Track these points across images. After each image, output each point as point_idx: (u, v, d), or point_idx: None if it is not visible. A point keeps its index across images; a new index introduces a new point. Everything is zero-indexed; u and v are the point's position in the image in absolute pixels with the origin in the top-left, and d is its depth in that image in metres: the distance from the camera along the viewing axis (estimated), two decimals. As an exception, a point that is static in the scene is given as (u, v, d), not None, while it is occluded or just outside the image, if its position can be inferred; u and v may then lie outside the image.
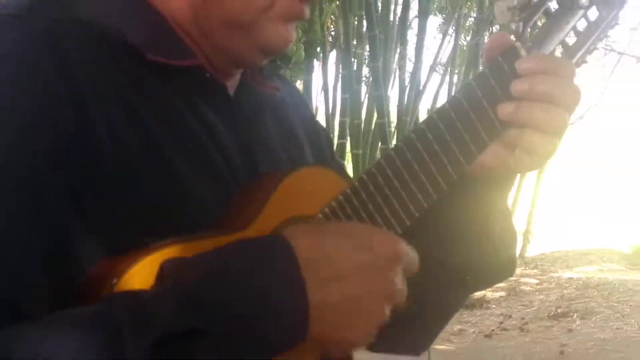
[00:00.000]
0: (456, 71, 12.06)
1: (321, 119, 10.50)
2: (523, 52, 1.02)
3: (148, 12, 1.04)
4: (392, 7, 10.85)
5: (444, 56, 12.44)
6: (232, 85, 1.14)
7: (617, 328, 8.98)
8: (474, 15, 11.96)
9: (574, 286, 11.34)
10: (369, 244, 0.92)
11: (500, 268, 1.25)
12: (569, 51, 1.05)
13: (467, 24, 12.40)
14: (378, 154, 10.43)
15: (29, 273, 0.83)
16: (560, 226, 16.68)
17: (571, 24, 1.04)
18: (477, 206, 1.13)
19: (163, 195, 0.95)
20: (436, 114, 1.05)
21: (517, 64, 1.00)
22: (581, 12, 1.03)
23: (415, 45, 11.26)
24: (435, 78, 12.22)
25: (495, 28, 11.85)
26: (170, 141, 0.98)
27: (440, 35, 12.95)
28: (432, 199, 1.03)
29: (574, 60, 1.05)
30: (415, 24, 11.33)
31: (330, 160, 1.35)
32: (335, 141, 10.08)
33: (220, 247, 0.89)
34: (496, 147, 1.05)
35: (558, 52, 1.06)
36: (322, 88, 10.90)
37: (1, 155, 0.86)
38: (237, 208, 0.99)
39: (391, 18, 10.82)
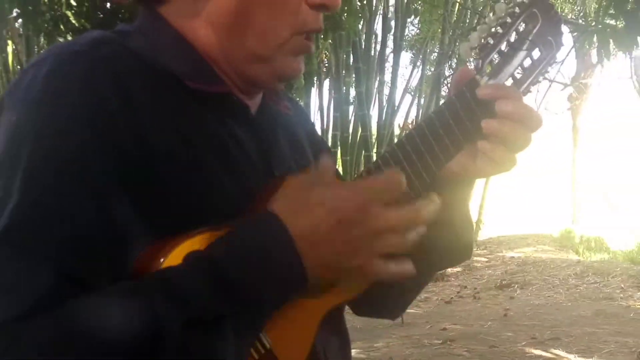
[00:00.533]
0: (423, 95, 12.16)
1: (318, 132, 10.84)
2: (482, 83, 0.98)
3: (186, 47, 0.97)
4: (373, 44, 11.05)
5: (414, 83, 12.53)
6: (254, 104, 1.05)
7: (549, 296, 9.14)
8: (437, 51, 12.10)
9: (515, 263, 11.34)
10: (338, 205, 0.85)
11: (461, 251, 1.17)
12: (517, 83, 1.00)
13: (431, 58, 12.37)
14: (362, 160, 10.49)
15: (97, 257, 0.80)
16: (504, 216, 16.44)
17: (519, 62, 0.98)
18: (444, 202, 0.96)
19: (203, 194, 0.89)
20: (414, 131, 0.99)
21: (476, 90, 0.96)
22: (527, 52, 0.98)
23: (390, 75, 11.57)
24: (407, 100, 12.40)
25: (454, 61, 12.10)
26: (208, 152, 0.93)
27: (411, 67, 13.14)
28: (426, 184, 0.97)
29: (521, 90, 1.00)
30: (390, 58, 11.58)
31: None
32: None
33: (232, 232, 0.84)
34: (460, 157, 0.99)
35: (508, 83, 1.00)
36: (318, 108, 10.99)
37: (76, 164, 0.81)
38: (259, 202, 0.91)
39: (372, 53, 11.01)
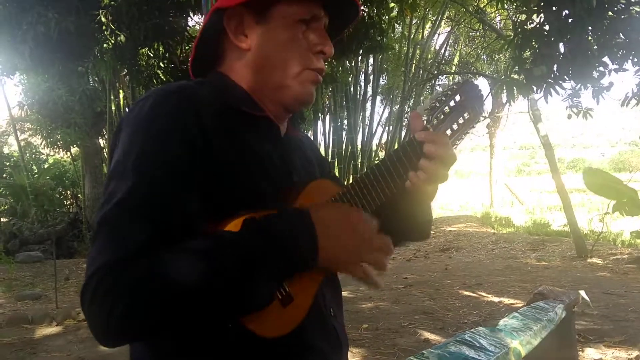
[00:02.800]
0: (391, 125, 12.09)
1: (322, 149, 10.84)
2: (430, 130, 0.96)
3: (236, 88, 0.96)
4: (358, 91, 11.10)
5: (384, 117, 12.47)
6: (282, 128, 1.02)
7: (474, 256, 9.28)
8: (400, 96, 12.10)
9: (452, 234, 11.44)
10: (355, 221, 0.87)
11: (421, 232, 1.14)
12: (454, 133, 0.97)
13: (396, 100, 12.36)
14: (351, 167, 10.64)
15: (180, 222, 0.80)
16: (445, 203, 16.65)
17: (455, 120, 0.96)
18: (409, 203, 1.01)
19: (246, 190, 0.87)
20: (380, 162, 0.97)
21: (416, 134, 0.95)
22: (460, 114, 0.96)
23: (369, 111, 11.62)
24: (380, 129, 12.35)
25: (411, 102, 12.13)
26: (251, 160, 0.91)
27: (382, 106, 12.99)
28: (384, 199, 0.95)
29: (457, 136, 0.99)
30: (369, 100, 11.56)
31: (329, 174, 1.18)
32: (329, 160, 10.55)
33: (277, 213, 0.85)
34: (412, 176, 0.95)
35: (448, 133, 0.97)
36: (322, 133, 11.07)
37: (167, 163, 0.81)
38: (283, 199, 0.90)
39: (357, 97, 11.06)
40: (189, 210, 0.82)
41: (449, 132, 0.98)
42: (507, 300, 5.54)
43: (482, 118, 1.02)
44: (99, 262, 0.76)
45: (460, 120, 0.98)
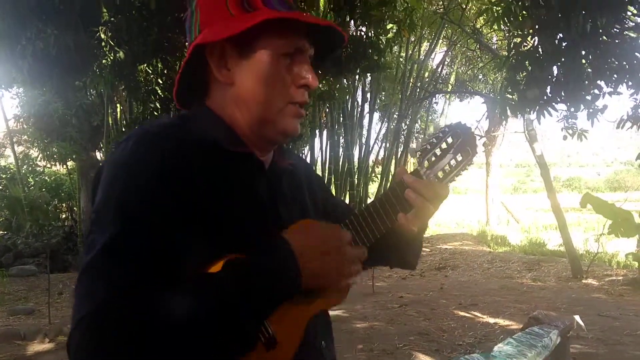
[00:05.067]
0: (388, 142, 12.14)
1: (319, 165, 10.89)
2: (422, 175, 0.98)
3: (221, 123, 0.95)
4: (355, 108, 11.18)
5: (381, 134, 12.53)
6: (267, 160, 1.01)
7: (470, 275, 9.19)
8: (396, 113, 12.16)
9: (448, 252, 11.31)
10: (330, 238, 0.89)
11: (412, 263, 1.17)
12: (445, 175, 0.98)
13: (393, 117, 12.30)
14: (348, 184, 10.77)
15: (162, 266, 0.79)
16: (441, 220, 16.51)
17: (447, 162, 0.97)
18: (401, 239, 1.04)
19: (231, 231, 0.86)
20: (372, 203, 0.99)
21: (404, 177, 0.98)
22: (452, 156, 0.97)
23: (366, 128, 11.75)
24: (377, 145, 12.45)
25: (408, 120, 12.29)
26: (236, 196, 0.90)
27: (380, 123, 13.02)
28: (378, 236, 0.98)
29: (450, 178, 1.00)
30: (367, 117, 11.65)
31: (324, 195, 1.19)
32: (326, 176, 10.53)
33: (254, 256, 0.84)
34: (402, 217, 0.99)
35: (440, 175, 0.99)
36: (319, 149, 10.98)
37: (149, 207, 0.80)
38: (269, 238, 0.88)
39: (355, 114, 11.13)
40: (174, 255, 0.81)
41: (440, 174, 0.99)
42: (502, 322, 5.51)
43: (474, 159, 1.03)
44: (85, 309, 0.75)
45: (453, 162, 0.99)
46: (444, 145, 0.98)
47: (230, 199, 0.90)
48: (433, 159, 0.98)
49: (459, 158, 0.98)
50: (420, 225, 1.03)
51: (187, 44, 1.00)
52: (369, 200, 11.82)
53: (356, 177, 11.12)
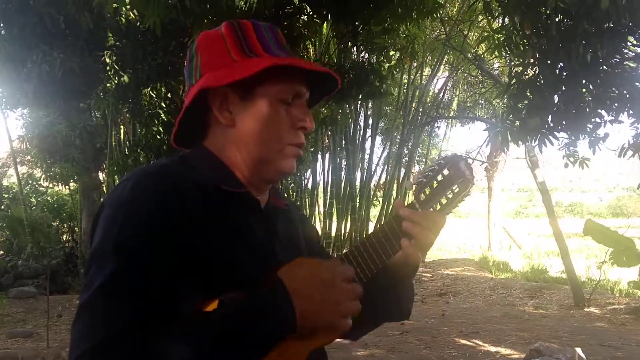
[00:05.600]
0: (390, 166, 12.20)
1: (321, 189, 10.97)
2: (417, 207, 0.97)
3: (219, 164, 0.97)
4: (358, 131, 11.25)
5: (383, 157, 12.53)
6: (263, 200, 1.02)
7: (471, 302, 9.13)
8: (398, 137, 12.27)
9: (450, 278, 11.21)
10: (326, 276, 0.88)
11: (403, 312, 1.18)
12: (443, 207, 0.98)
13: (395, 141, 12.48)
14: (349, 207, 10.76)
15: (159, 306, 0.79)
16: (442, 245, 16.32)
17: (444, 193, 0.96)
18: (394, 281, 1.07)
19: (229, 271, 0.88)
20: (369, 236, 1.00)
21: (399, 210, 0.98)
22: (449, 188, 0.96)
23: (368, 152, 11.72)
24: (379, 169, 12.42)
25: (410, 144, 12.34)
26: (233, 236, 0.91)
27: (382, 147, 12.97)
28: (367, 277, 0.98)
29: (447, 210, 0.98)
30: (369, 141, 11.70)
31: (314, 237, 1.20)
32: (328, 199, 10.62)
33: (252, 299, 0.85)
34: (399, 255, 1.00)
35: (437, 207, 0.98)
36: (321, 172, 11.12)
37: (146, 248, 0.81)
38: (267, 277, 0.89)
39: (357, 137, 11.21)
40: (170, 294, 0.82)
41: (438, 206, 0.99)
42: (503, 351, 5.45)
43: (474, 187, 1.00)
44: (81, 349, 0.76)
45: (450, 194, 0.98)
46: (440, 178, 0.98)
47: (227, 239, 0.91)
48: (429, 191, 0.98)
49: (456, 189, 0.98)
50: (417, 257, 1.04)
51: (187, 88, 1.02)
52: (370, 224, 11.86)
53: (358, 200, 11.13)
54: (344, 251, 1.03)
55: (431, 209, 0.98)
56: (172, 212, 0.85)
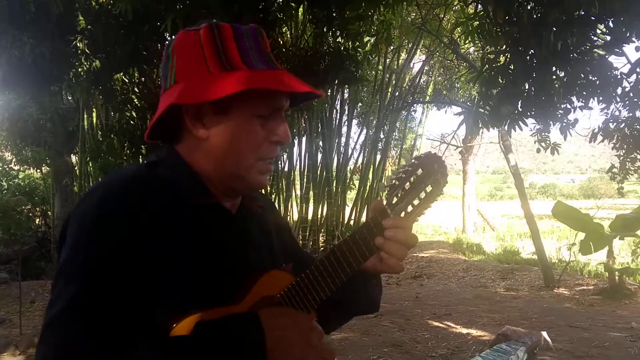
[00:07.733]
0: (366, 150, 12.21)
1: (298, 173, 10.93)
2: (389, 212, 0.96)
3: (190, 173, 0.96)
4: (334, 116, 11.21)
5: (359, 141, 12.50)
6: (234, 206, 1.02)
7: (445, 284, 9.23)
8: (375, 121, 12.26)
9: (424, 261, 11.27)
10: (298, 321, 0.91)
11: (373, 306, 1.18)
12: (415, 208, 0.96)
13: (372, 124, 12.41)
14: (325, 192, 10.79)
15: (122, 323, 0.79)
16: (416, 228, 16.63)
17: (417, 195, 0.95)
18: (361, 286, 1.07)
19: (199, 280, 0.88)
20: (340, 242, 0.99)
21: (383, 221, 0.96)
22: (422, 188, 0.95)
23: (344, 137, 11.68)
24: (355, 153, 12.39)
25: (386, 128, 12.41)
26: (202, 247, 0.91)
27: (358, 131, 13.08)
28: (337, 286, 0.98)
29: (418, 212, 0.97)
30: (345, 126, 11.64)
31: (292, 248, 1.18)
32: (305, 184, 10.59)
33: (225, 318, 0.87)
34: (372, 260, 0.98)
35: (409, 209, 0.96)
36: (298, 156, 11.01)
37: (114, 269, 0.81)
38: (238, 290, 0.92)
39: (334, 122, 11.17)
40: (139, 309, 0.81)
41: (410, 208, 0.97)
42: (475, 332, 5.58)
43: (444, 190, 0.98)
44: None
45: (422, 195, 0.97)
46: (413, 179, 0.96)
47: (197, 250, 0.90)
48: (401, 193, 0.97)
49: (428, 190, 0.96)
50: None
51: (161, 90, 1.00)
52: (347, 209, 11.93)
53: (334, 184, 11.16)
54: (317, 257, 1.02)
55: (403, 213, 0.97)
56: (139, 227, 0.84)
